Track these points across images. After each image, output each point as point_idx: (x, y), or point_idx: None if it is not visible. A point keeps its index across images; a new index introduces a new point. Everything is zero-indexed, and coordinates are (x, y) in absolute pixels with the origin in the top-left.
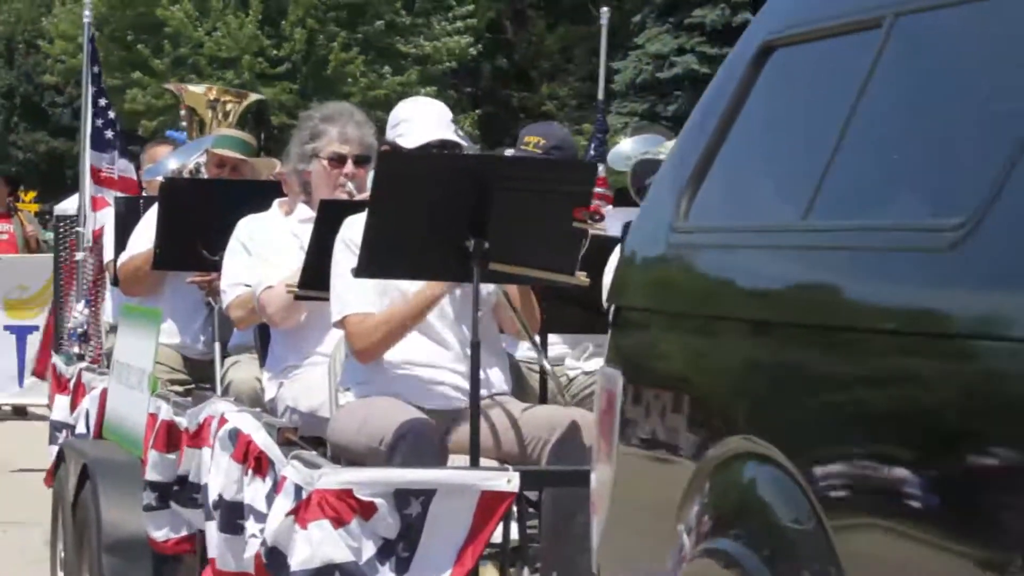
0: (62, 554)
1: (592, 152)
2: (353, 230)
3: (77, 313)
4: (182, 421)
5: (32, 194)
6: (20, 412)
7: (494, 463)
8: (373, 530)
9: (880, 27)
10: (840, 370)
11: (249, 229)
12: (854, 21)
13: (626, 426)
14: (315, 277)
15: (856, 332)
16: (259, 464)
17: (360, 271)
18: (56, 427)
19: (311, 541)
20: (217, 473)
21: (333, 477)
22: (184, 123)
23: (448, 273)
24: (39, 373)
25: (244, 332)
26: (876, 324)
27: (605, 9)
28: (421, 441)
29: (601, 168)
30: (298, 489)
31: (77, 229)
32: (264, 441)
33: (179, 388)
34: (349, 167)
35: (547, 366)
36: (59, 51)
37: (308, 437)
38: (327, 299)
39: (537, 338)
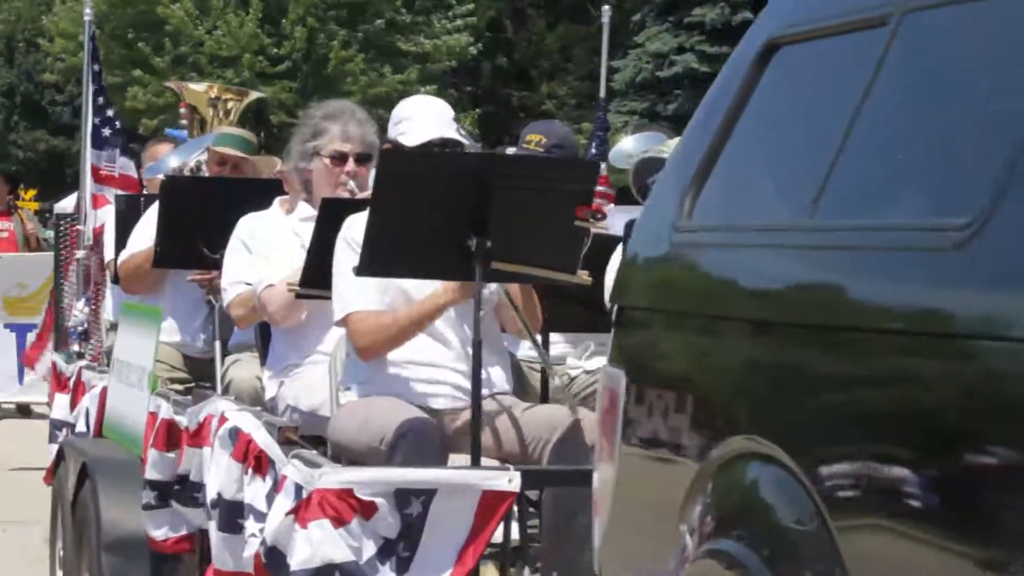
0: (61, 553)
1: (593, 150)
2: (355, 229)
3: (77, 311)
4: (182, 420)
5: (32, 192)
6: (24, 411)
7: (495, 462)
8: (374, 530)
9: (886, 24)
10: (844, 370)
11: (250, 227)
12: (860, 19)
13: (629, 426)
14: (316, 275)
15: (861, 332)
16: (259, 463)
17: (362, 270)
18: (56, 425)
19: (311, 540)
20: (216, 472)
21: (334, 476)
22: (184, 121)
23: (450, 272)
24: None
25: (245, 331)
26: (881, 324)
27: (606, 8)
28: (422, 440)
29: (603, 166)
30: (298, 488)
31: (78, 227)
32: (264, 440)
33: (179, 386)
34: (351, 165)
35: (548, 366)
36: (59, 49)
37: (309, 436)
38: (328, 298)
39: (539, 337)
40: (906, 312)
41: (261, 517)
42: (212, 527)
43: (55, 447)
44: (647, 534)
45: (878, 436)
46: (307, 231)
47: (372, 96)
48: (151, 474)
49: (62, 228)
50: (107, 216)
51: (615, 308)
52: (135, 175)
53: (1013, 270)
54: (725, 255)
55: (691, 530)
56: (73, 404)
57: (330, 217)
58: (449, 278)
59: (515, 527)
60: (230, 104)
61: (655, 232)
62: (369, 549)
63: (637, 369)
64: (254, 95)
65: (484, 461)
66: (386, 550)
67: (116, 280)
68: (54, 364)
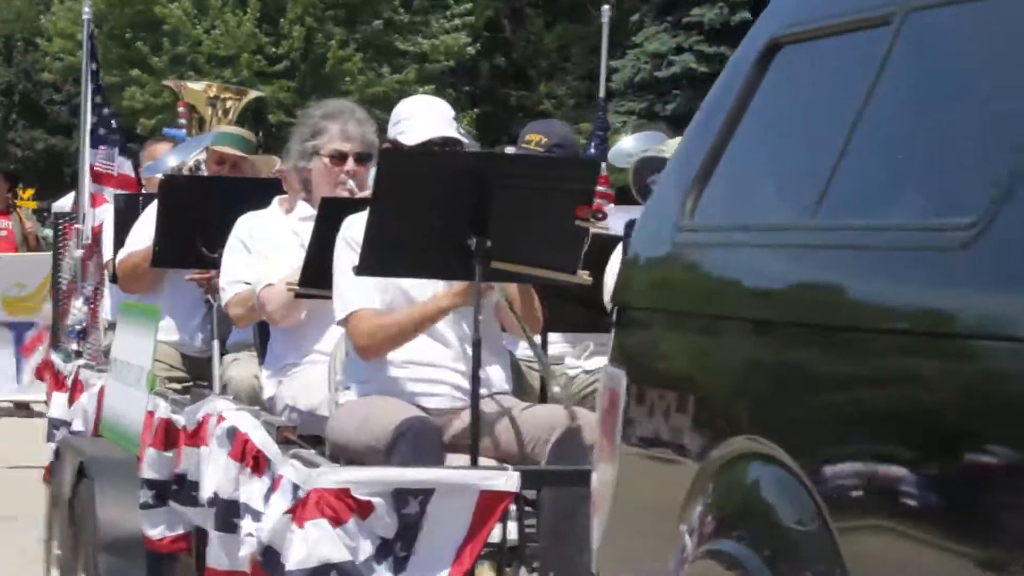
0: (58, 552)
1: (592, 150)
2: (354, 228)
3: (75, 310)
4: (180, 419)
5: (30, 191)
6: (22, 407)
7: (493, 462)
8: (371, 529)
9: (890, 24)
10: (847, 370)
11: (248, 226)
12: (863, 18)
13: (629, 426)
14: (316, 275)
15: (864, 332)
16: (257, 463)
17: (362, 269)
18: (54, 424)
19: (308, 540)
20: (214, 471)
21: (331, 476)
22: (183, 120)
23: (450, 272)
24: (41, 375)
25: (243, 330)
26: (885, 324)
27: (606, 7)
28: (421, 440)
29: (602, 166)
30: (295, 488)
31: (76, 226)
32: (262, 440)
33: (177, 386)
34: (350, 164)
35: (547, 371)
36: (57, 49)
37: (307, 436)
38: (328, 297)
39: (537, 338)
40: (910, 312)
41: (258, 516)
42: (208, 526)
43: (53, 446)
44: (647, 534)
45: (880, 436)
46: (306, 230)
47: (370, 96)
48: (148, 473)
49: (60, 227)
50: (105, 215)
51: (616, 308)
52: (132, 174)
53: (1018, 270)
54: (727, 255)
55: (691, 530)
56: (71, 403)
57: (330, 216)
58: (449, 278)
59: (512, 527)
60: (229, 103)
61: (657, 232)
62: (366, 549)
63: (638, 369)
64: (253, 94)
65: (482, 461)
66: (383, 550)
67: (114, 279)
68: (52, 363)
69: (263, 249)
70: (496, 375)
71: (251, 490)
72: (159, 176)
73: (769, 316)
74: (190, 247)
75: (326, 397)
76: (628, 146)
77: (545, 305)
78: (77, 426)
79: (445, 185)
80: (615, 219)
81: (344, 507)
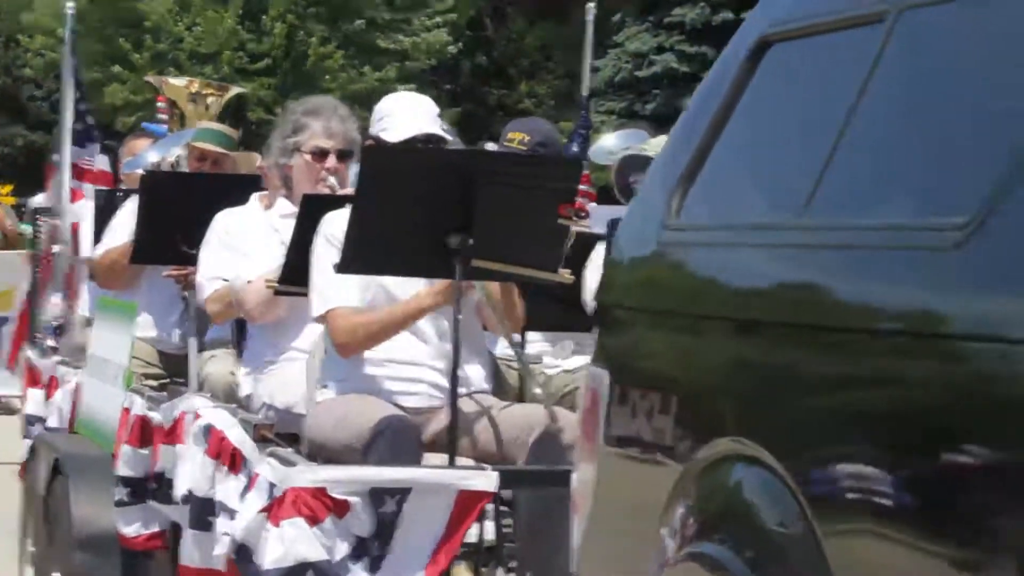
0: (32, 549)
1: (575, 148)
2: (334, 226)
3: (52, 306)
4: (156, 416)
5: (8, 187)
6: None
7: (470, 462)
8: (347, 529)
9: (883, 22)
10: (834, 371)
11: (226, 223)
12: (856, 15)
13: (611, 426)
14: (296, 272)
15: (854, 333)
16: (233, 461)
17: (343, 267)
18: (30, 420)
19: (284, 539)
20: (189, 468)
21: (308, 475)
22: (163, 116)
23: (432, 270)
24: (12, 366)
25: (220, 327)
26: (875, 325)
27: (591, 5)
28: (399, 439)
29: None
30: (271, 486)
31: (55, 222)
32: (238, 438)
33: (153, 383)
34: (331, 161)
35: (527, 370)
36: (39, 45)
37: (284, 434)
38: (307, 294)
39: (517, 337)
40: (900, 313)
41: (233, 515)
42: (182, 523)
43: (29, 442)
44: (628, 535)
45: (866, 438)
46: (286, 227)
47: (351, 93)
48: (123, 470)
49: (40, 223)
50: (84, 211)
51: (599, 307)
52: (109, 170)
53: (1010, 271)
54: (714, 254)
55: (673, 532)
56: (47, 399)
57: (311, 213)
58: (431, 276)
59: (489, 526)
60: (210, 99)
61: (641, 231)
62: (342, 548)
63: (621, 369)
64: (235, 90)
65: (460, 460)
66: (360, 549)
67: (92, 275)
68: (28, 359)
69: (241, 246)
70: (475, 374)
71: (227, 488)
72: (139, 172)
73: (756, 316)
74: (170, 243)
75: (303, 395)
76: (610, 144)
77: (525, 304)
78: (52, 422)
79: (428, 183)
80: (597, 218)
81: (321, 506)
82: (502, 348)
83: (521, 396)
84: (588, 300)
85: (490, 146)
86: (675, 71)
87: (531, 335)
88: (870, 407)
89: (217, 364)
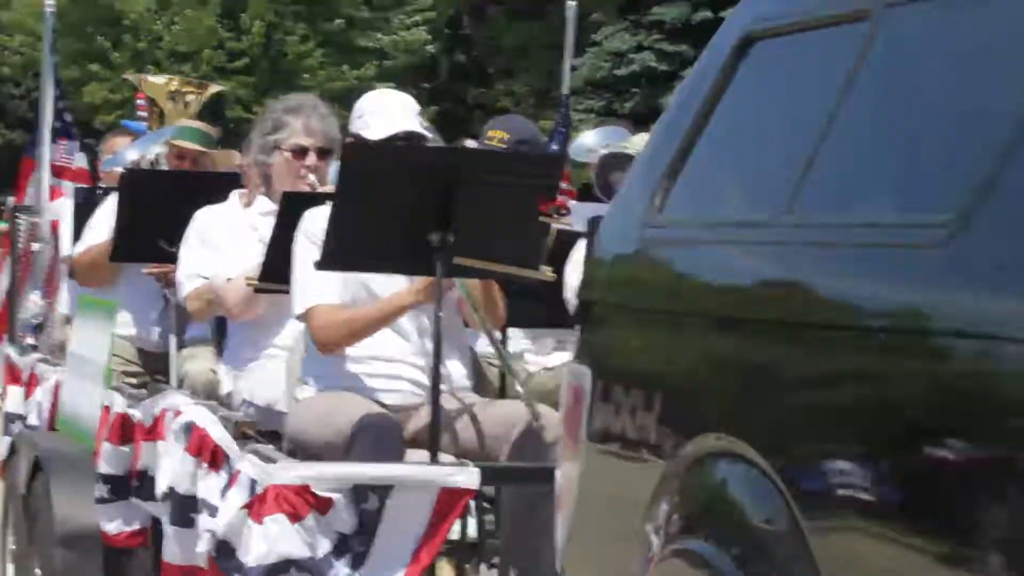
0: (13, 546)
1: (555, 146)
2: (315, 223)
3: (32, 304)
4: (136, 413)
5: None
6: None
7: (452, 459)
8: (330, 525)
9: (867, 19)
10: (820, 368)
11: (206, 221)
12: (841, 13)
13: (594, 423)
14: (276, 269)
15: (838, 330)
16: (214, 458)
17: (324, 264)
18: (10, 418)
19: (267, 536)
20: (169, 465)
21: (290, 472)
22: (142, 113)
23: (413, 267)
24: None
25: (200, 324)
26: (859, 322)
27: (572, 3)
28: (382, 436)
29: None
30: (253, 483)
31: (34, 219)
32: (219, 435)
33: (133, 380)
34: (311, 159)
35: (508, 368)
36: (18, 43)
37: (265, 431)
38: (287, 292)
39: (498, 334)
40: (884, 310)
41: (215, 512)
42: (164, 520)
43: (9, 440)
44: (612, 532)
45: (851, 435)
46: (265, 225)
47: (330, 91)
48: (104, 468)
49: (19, 220)
50: (63, 209)
51: (582, 305)
52: (87, 167)
53: (994, 268)
54: (697, 252)
55: (657, 529)
56: (27, 397)
57: (291, 211)
58: (412, 273)
59: (471, 523)
60: (189, 97)
61: (624, 228)
62: (325, 545)
63: (604, 366)
64: (214, 88)
65: (441, 457)
66: (342, 546)
67: (72, 273)
68: (8, 356)
69: (221, 243)
70: (457, 371)
71: (208, 485)
72: (118, 170)
73: (740, 313)
74: (150, 242)
75: (284, 392)
76: (590, 141)
77: (506, 301)
78: (32, 420)
79: (408, 180)
80: (578, 215)
81: (303, 503)
82: (483, 345)
83: (502, 393)
84: (569, 297)
85: (470, 144)
86: (653, 70)
87: (512, 332)
88: (854, 404)
89: (197, 362)
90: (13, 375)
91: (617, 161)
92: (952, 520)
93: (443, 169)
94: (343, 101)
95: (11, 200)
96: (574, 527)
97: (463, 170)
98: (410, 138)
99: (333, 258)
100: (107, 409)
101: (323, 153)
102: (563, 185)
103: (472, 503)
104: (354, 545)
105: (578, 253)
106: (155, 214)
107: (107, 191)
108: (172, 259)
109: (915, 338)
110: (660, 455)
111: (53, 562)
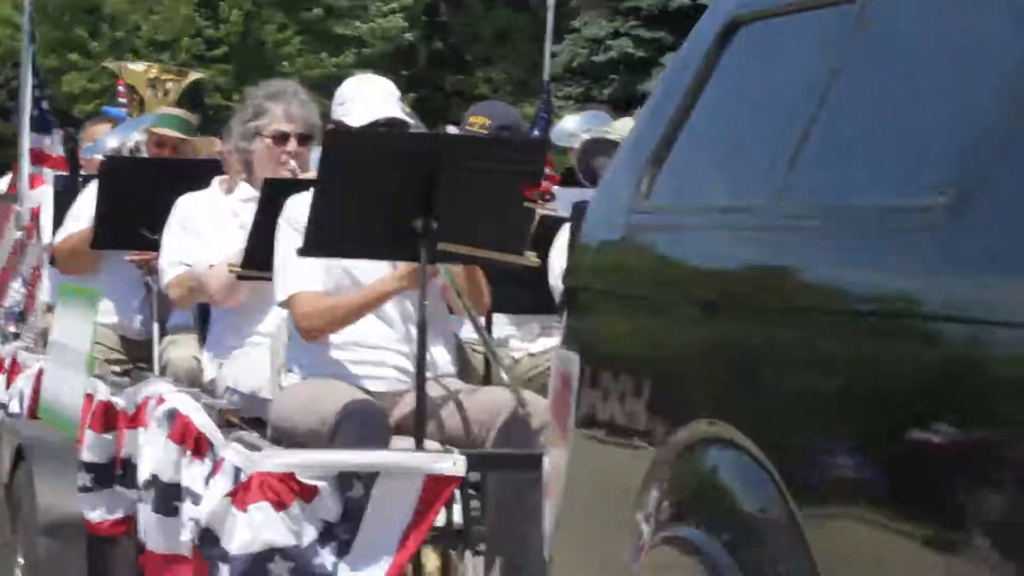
0: None
1: (536, 133)
2: (297, 210)
3: (14, 291)
4: (119, 401)
5: None
6: None
7: (437, 446)
8: (315, 513)
9: (854, 1)
10: (812, 353)
11: (188, 207)
12: None
13: (582, 409)
14: (259, 256)
15: (830, 315)
16: (198, 446)
17: (307, 251)
18: None
19: (252, 524)
20: (152, 453)
21: (275, 460)
22: (123, 100)
23: (396, 253)
24: None
25: (182, 312)
26: (850, 306)
27: None
28: (367, 423)
29: None
30: (237, 471)
31: (15, 207)
32: (203, 422)
33: (116, 368)
34: (292, 145)
35: (493, 354)
36: None
37: (248, 419)
38: (270, 279)
39: (482, 320)
40: (875, 294)
41: (198, 500)
42: (145, 508)
43: None
44: (602, 519)
45: (843, 420)
46: (247, 211)
47: (308, 79)
48: (87, 456)
49: None
50: (44, 197)
51: (568, 290)
52: (62, 154)
53: (988, 252)
54: (684, 236)
55: (648, 516)
56: (9, 385)
57: (272, 197)
58: (396, 259)
59: (456, 509)
60: (169, 84)
61: (610, 214)
62: (310, 533)
63: (592, 352)
64: (194, 75)
65: (427, 444)
66: (327, 534)
67: (53, 261)
68: None
69: (203, 230)
70: (441, 357)
71: (192, 473)
72: (99, 157)
73: (729, 299)
74: (131, 229)
75: (268, 379)
76: (571, 126)
77: (490, 287)
78: (14, 408)
79: (391, 166)
80: (561, 200)
81: (288, 491)
82: (467, 332)
83: (487, 379)
84: (554, 283)
85: (451, 130)
86: (631, 56)
87: (497, 318)
88: (845, 389)
89: (179, 349)
90: None
91: (600, 146)
92: (947, 505)
93: (425, 155)
94: (322, 89)
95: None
96: (562, 514)
97: (445, 156)
98: (392, 124)
99: (315, 245)
100: (90, 397)
101: (304, 139)
102: (546, 171)
103: (457, 490)
104: (339, 533)
105: (562, 238)
106: (136, 201)
107: (88, 179)
108: (154, 246)
109: (904, 323)
110: (650, 442)
111: (36, 551)
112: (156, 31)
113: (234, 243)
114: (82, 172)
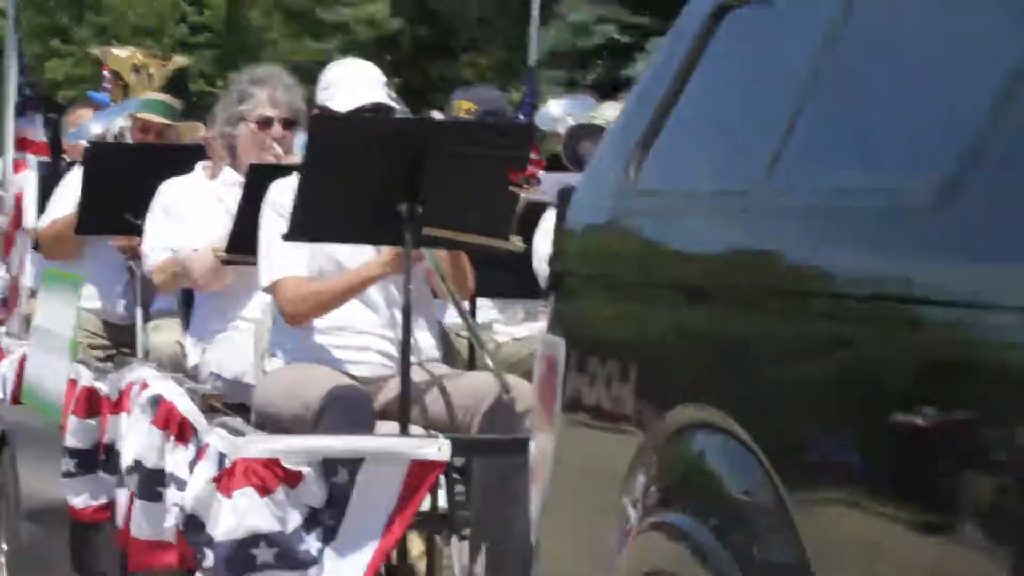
0: None
1: (521, 117)
2: (281, 195)
3: None
4: (103, 387)
5: None
6: None
7: (422, 431)
8: (299, 499)
9: None
10: (801, 337)
11: (171, 192)
12: None
13: (569, 394)
14: (243, 241)
15: (822, 298)
16: (181, 431)
17: (291, 235)
18: None
19: (236, 510)
20: (135, 439)
21: (259, 445)
22: (107, 85)
23: (381, 237)
24: None
25: (166, 297)
26: (842, 290)
27: None
28: (353, 408)
29: None
30: (221, 457)
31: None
32: (187, 407)
33: (100, 353)
34: (277, 130)
35: (477, 339)
36: None
37: (232, 404)
38: (254, 263)
39: (466, 305)
40: (867, 278)
41: (183, 486)
42: (125, 493)
43: None
44: (589, 504)
45: (832, 404)
46: (231, 196)
47: (293, 64)
48: (71, 442)
49: None
50: (27, 182)
51: (554, 275)
52: (44, 140)
53: (983, 236)
54: (672, 220)
55: (635, 502)
56: None
57: (257, 182)
58: (380, 243)
59: (441, 494)
60: (153, 70)
61: (597, 199)
62: (295, 519)
63: (579, 337)
64: (179, 60)
65: (411, 429)
66: (312, 520)
67: (37, 246)
68: None
69: (187, 215)
70: (426, 342)
71: (176, 459)
72: (83, 143)
73: (717, 283)
74: (115, 214)
75: (251, 364)
76: (555, 110)
77: (474, 271)
78: None
79: (377, 151)
80: (547, 185)
81: (272, 476)
82: (452, 316)
83: (471, 364)
84: (539, 267)
85: (436, 114)
86: (616, 41)
87: (481, 302)
88: (834, 373)
89: (163, 334)
90: None
91: (585, 131)
92: (936, 489)
93: (411, 140)
94: (307, 74)
95: None
96: (549, 499)
97: (430, 141)
98: (377, 109)
99: (300, 229)
100: (73, 382)
101: (288, 124)
102: (533, 157)
103: (442, 475)
104: (324, 519)
105: (547, 222)
106: (120, 187)
107: (72, 164)
108: (138, 231)
109: (892, 308)
110: (637, 427)
111: (19, 536)
112: (140, 17)
113: (218, 228)
114: (65, 157)
